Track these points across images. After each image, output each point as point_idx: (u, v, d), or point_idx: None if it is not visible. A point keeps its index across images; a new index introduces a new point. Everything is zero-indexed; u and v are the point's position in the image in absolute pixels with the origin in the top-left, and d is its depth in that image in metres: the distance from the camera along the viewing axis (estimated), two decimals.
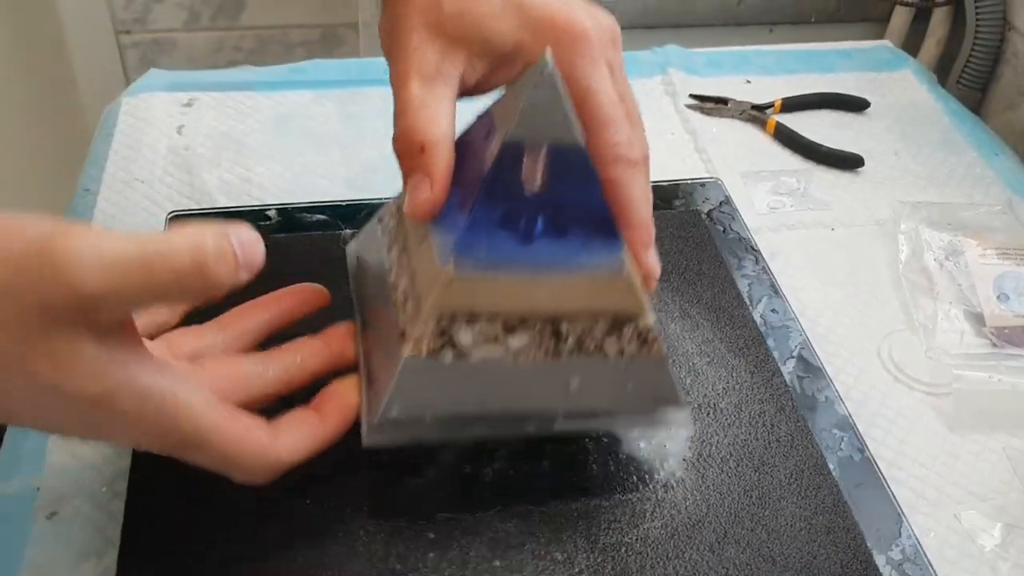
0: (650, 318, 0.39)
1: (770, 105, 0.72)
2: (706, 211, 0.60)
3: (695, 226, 0.58)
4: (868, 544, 0.42)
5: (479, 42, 0.39)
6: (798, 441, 0.46)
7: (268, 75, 0.73)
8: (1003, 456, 0.49)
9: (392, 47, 0.40)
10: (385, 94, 0.40)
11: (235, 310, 0.44)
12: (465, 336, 0.38)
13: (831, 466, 0.45)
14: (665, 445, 0.45)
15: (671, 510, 0.42)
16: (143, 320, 0.42)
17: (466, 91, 0.40)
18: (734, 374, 0.49)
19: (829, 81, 0.77)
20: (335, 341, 0.43)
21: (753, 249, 0.58)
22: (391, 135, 0.39)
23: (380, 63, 0.42)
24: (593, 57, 0.38)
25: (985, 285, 0.57)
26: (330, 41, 1.47)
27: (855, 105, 0.74)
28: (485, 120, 0.39)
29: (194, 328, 0.44)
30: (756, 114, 0.72)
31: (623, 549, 0.41)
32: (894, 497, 0.44)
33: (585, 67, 0.38)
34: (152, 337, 0.43)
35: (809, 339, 0.53)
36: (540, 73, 0.36)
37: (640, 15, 0.83)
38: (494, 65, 0.40)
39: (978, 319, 0.56)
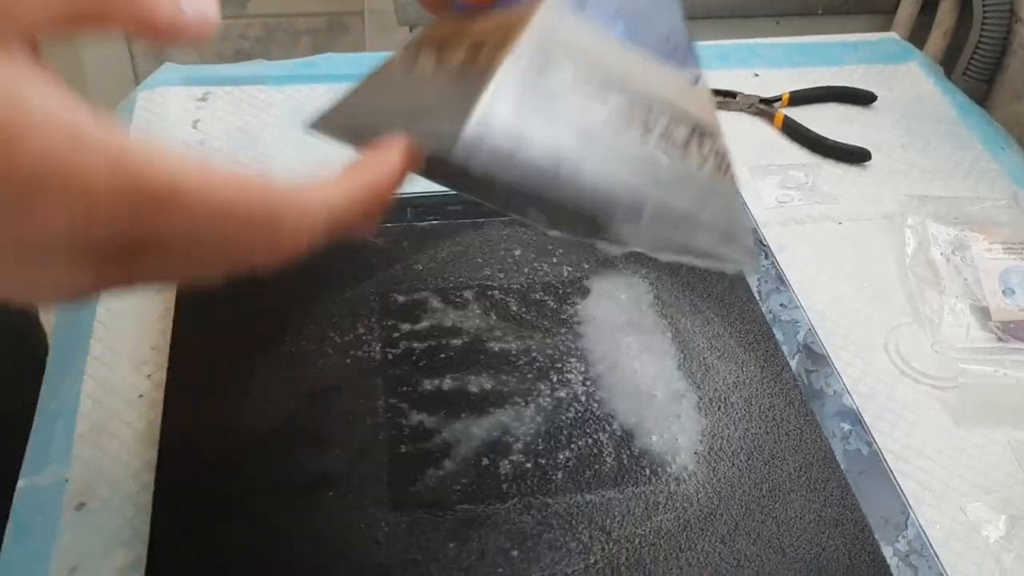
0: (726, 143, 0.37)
1: (778, 99, 0.73)
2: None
3: None
4: (875, 536, 0.43)
5: None
6: (807, 435, 0.47)
7: (281, 69, 0.73)
8: (1008, 449, 0.50)
9: None
10: None
11: None
12: (560, 76, 0.32)
13: (839, 459, 0.46)
14: (677, 439, 0.46)
15: (683, 502, 0.44)
16: None
17: None
18: (744, 368, 0.50)
19: (836, 74, 0.78)
20: None
21: (762, 244, 0.59)
22: None
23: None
24: None
25: (991, 279, 0.58)
26: (336, 29, 1.48)
27: (862, 98, 0.74)
28: None
29: None
30: (764, 108, 0.72)
31: (637, 540, 0.42)
32: (901, 490, 0.46)
33: None
34: None
35: (817, 333, 0.54)
36: None
37: None
38: None
39: (984, 313, 0.57)
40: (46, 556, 0.43)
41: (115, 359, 0.52)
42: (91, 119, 0.23)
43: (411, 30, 0.93)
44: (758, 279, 0.56)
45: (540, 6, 0.31)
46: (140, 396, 0.50)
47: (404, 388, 0.48)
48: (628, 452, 0.45)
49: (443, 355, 0.50)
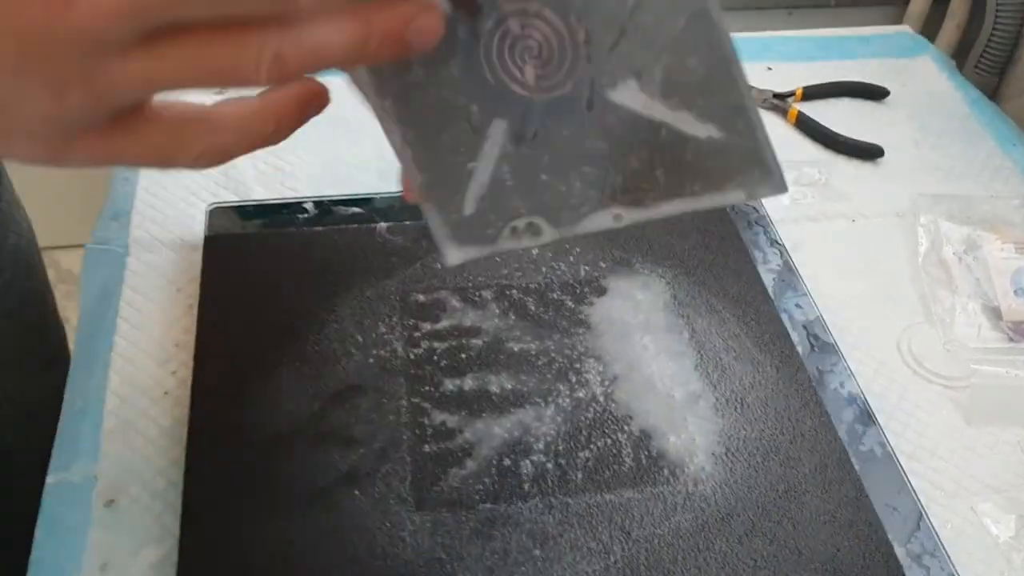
0: None
1: (791, 94, 0.73)
2: (730, 204, 0.62)
3: (720, 220, 0.60)
4: (889, 537, 0.44)
5: None
6: (822, 435, 0.48)
7: None
8: (1018, 449, 0.51)
9: None
10: None
11: None
12: None
13: (853, 460, 0.47)
14: (695, 439, 0.47)
15: (701, 503, 0.45)
16: None
17: None
18: (760, 369, 0.51)
19: (849, 68, 0.78)
20: None
21: (777, 243, 0.60)
22: None
23: None
24: None
25: (1002, 279, 0.59)
26: None
27: (875, 93, 0.75)
28: None
29: None
30: (778, 103, 0.73)
31: (656, 541, 0.43)
32: (914, 491, 0.46)
33: None
34: None
35: (832, 333, 0.54)
36: None
37: None
38: None
39: (995, 313, 0.57)
40: (78, 553, 0.44)
41: (139, 356, 0.53)
42: None
43: None
44: (773, 278, 0.57)
45: None
46: (165, 393, 0.51)
47: (426, 388, 0.49)
48: (646, 452, 0.46)
49: (464, 355, 0.50)
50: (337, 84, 0.31)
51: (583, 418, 0.48)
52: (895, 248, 0.63)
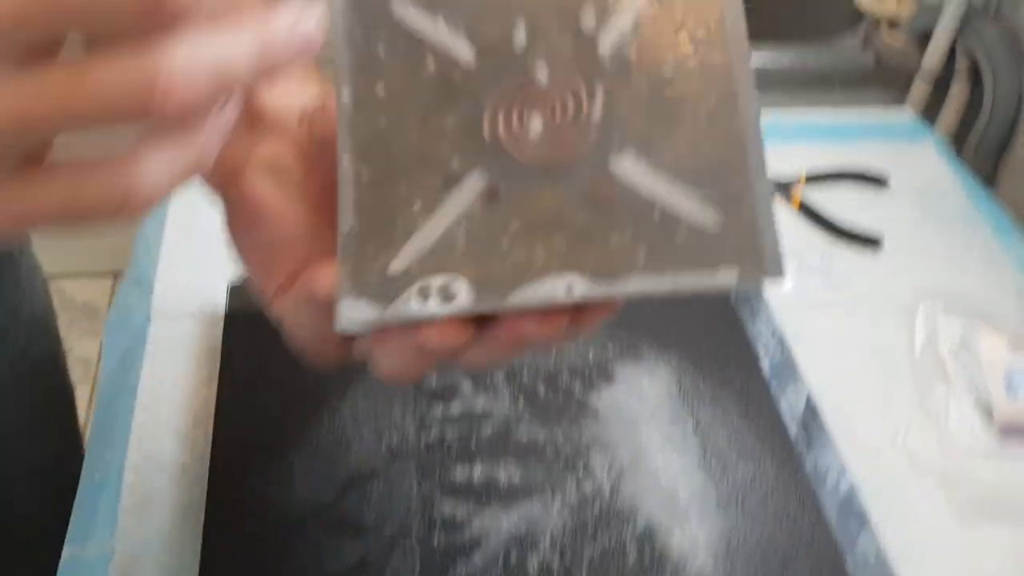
0: None
1: (795, 179, 0.75)
2: (733, 296, 0.64)
3: (724, 309, 0.62)
4: None
5: None
6: (818, 536, 0.49)
7: None
8: (1011, 550, 0.52)
9: None
10: None
11: None
12: None
13: (848, 565, 0.48)
14: (697, 537, 0.49)
15: None
16: None
17: None
18: (760, 467, 0.52)
19: (852, 151, 0.80)
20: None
21: (779, 336, 0.61)
22: None
23: None
24: None
25: (996, 377, 0.60)
26: None
27: (876, 180, 0.77)
28: None
29: None
30: (782, 187, 0.75)
31: None
32: None
33: None
34: None
35: (830, 429, 0.56)
36: None
37: None
38: None
39: (988, 411, 0.59)
40: None
41: (158, 428, 0.54)
42: None
43: None
44: (775, 372, 0.59)
45: None
46: (183, 468, 0.52)
47: (436, 475, 0.50)
48: (650, 549, 0.48)
49: (474, 442, 0.52)
50: None
51: (589, 512, 0.49)
52: (893, 340, 0.64)
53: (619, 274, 0.29)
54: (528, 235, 0.29)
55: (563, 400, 0.55)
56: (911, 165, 0.80)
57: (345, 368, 0.55)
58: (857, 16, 0.96)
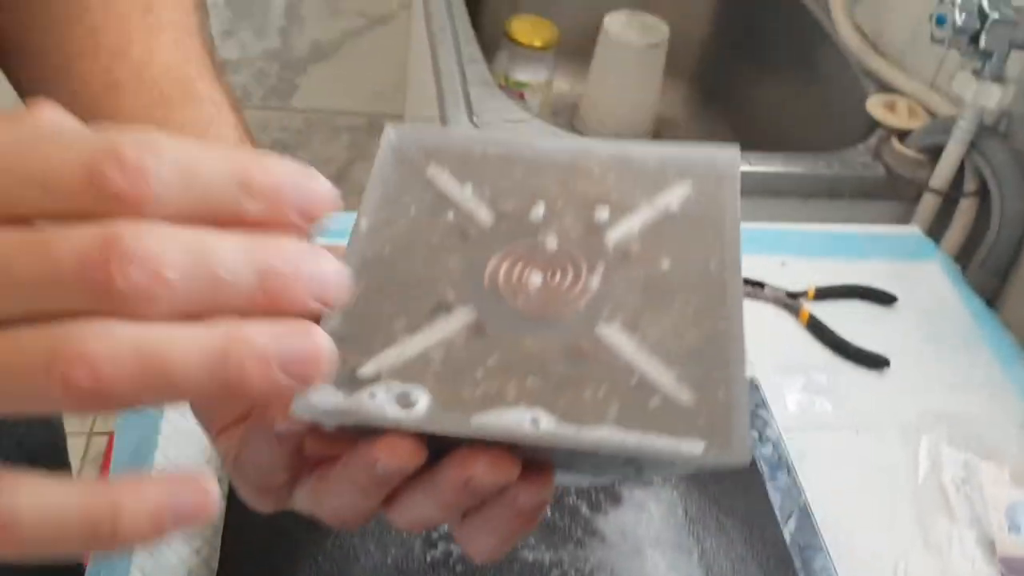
0: None
1: (803, 293, 0.77)
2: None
3: None
4: None
5: None
6: None
7: None
8: None
9: None
10: None
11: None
12: None
13: None
14: None
15: None
16: None
17: None
18: None
19: (860, 267, 0.81)
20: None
21: (785, 461, 0.62)
22: None
23: None
24: None
25: (998, 512, 0.61)
26: (375, 129, 1.53)
27: (884, 298, 0.78)
28: None
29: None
30: (790, 302, 0.76)
31: None
32: None
33: None
34: None
35: (832, 558, 0.56)
36: None
37: None
38: None
39: (991, 547, 0.59)
40: None
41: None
42: None
43: None
44: (780, 497, 0.59)
45: None
46: (189, 572, 0.52)
47: None
48: None
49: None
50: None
51: None
52: (897, 467, 0.65)
53: (588, 422, 0.29)
54: (504, 371, 0.30)
55: (569, 521, 0.55)
56: (918, 283, 0.81)
57: None
58: (871, 127, 0.99)
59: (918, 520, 0.62)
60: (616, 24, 1.25)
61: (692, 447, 0.29)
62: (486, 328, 0.31)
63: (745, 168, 0.90)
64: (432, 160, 0.35)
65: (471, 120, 0.90)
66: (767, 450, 0.62)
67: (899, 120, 0.98)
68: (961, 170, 0.91)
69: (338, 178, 1.53)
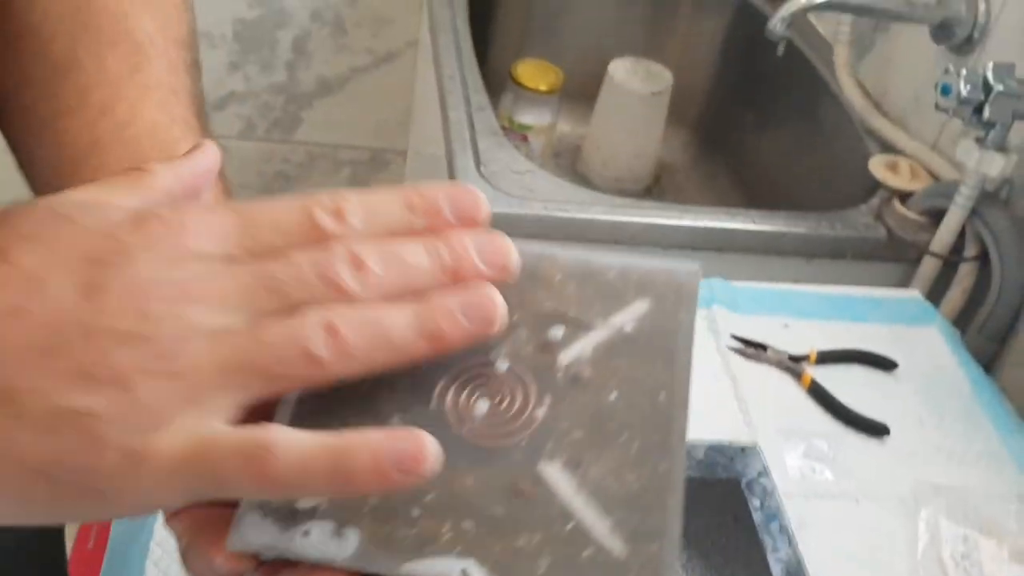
0: None
1: (805, 357, 0.77)
2: (745, 482, 0.65)
3: (735, 499, 0.63)
4: None
5: None
6: None
7: None
8: None
9: None
10: None
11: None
12: None
13: None
14: None
15: None
16: None
17: None
18: None
19: (861, 330, 0.82)
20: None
21: (787, 530, 0.62)
22: None
23: None
24: None
25: None
26: (377, 163, 1.53)
27: (884, 364, 0.79)
28: None
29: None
30: (792, 365, 0.77)
31: None
32: None
33: None
34: None
35: None
36: None
37: (687, 237, 0.89)
38: None
39: None
40: None
41: None
42: None
43: None
44: (781, 568, 0.60)
45: None
46: None
47: None
48: None
49: None
50: None
51: None
52: (896, 538, 0.65)
53: (518, 574, 0.29)
54: (441, 511, 0.30)
55: None
56: (918, 347, 0.82)
57: None
58: (872, 187, 1.00)
59: None
60: (621, 71, 1.26)
61: None
62: None
63: (749, 227, 0.91)
64: None
65: (478, 170, 0.91)
66: (769, 519, 0.63)
67: (901, 181, 0.99)
68: (962, 235, 0.92)
69: None
